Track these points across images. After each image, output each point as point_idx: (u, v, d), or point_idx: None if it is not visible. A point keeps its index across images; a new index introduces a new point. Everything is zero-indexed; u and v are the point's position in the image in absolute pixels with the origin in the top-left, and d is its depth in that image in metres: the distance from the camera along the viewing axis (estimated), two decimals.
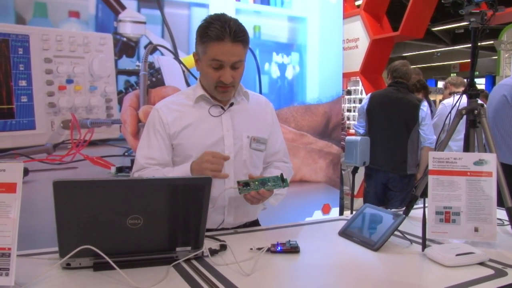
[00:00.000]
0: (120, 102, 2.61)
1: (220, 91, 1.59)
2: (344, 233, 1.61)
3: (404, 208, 1.98)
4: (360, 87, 6.02)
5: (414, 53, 15.54)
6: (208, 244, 1.34)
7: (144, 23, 2.63)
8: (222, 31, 1.48)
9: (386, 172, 3.56)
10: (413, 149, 3.52)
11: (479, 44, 1.87)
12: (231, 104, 1.68)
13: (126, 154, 2.64)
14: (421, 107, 3.46)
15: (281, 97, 3.13)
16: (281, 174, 1.59)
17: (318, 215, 3.36)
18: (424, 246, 1.43)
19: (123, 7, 2.57)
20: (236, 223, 1.73)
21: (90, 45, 2.49)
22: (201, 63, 1.60)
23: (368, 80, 5.96)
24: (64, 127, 2.48)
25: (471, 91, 1.92)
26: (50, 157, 2.46)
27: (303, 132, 3.20)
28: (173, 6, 2.72)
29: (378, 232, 1.52)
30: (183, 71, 2.76)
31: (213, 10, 2.75)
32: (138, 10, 2.63)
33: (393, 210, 2.02)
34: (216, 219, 1.67)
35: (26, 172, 2.38)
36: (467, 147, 1.99)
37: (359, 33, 5.95)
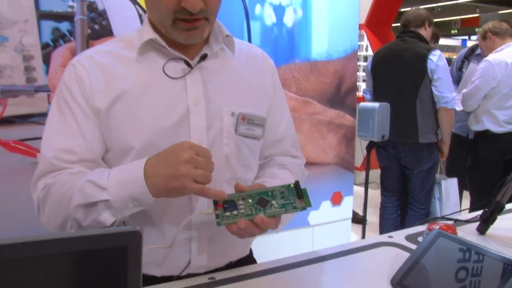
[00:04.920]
0: (46, 60, 1.93)
1: (183, 27, 0.92)
2: (404, 284, 0.93)
3: (476, 218, 1.28)
4: (365, 42, 5.36)
5: (414, 7, 15.08)
6: None
7: None
8: None
9: (396, 142, 2.96)
10: (425, 111, 2.89)
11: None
12: (204, 57, 1.00)
13: None
14: (430, 56, 2.79)
15: (278, 51, 2.55)
16: (297, 183, 0.94)
17: (327, 206, 2.78)
18: None
19: None
20: (212, 266, 1.04)
21: None
22: None
23: (375, 34, 5.32)
24: None
25: None
26: None
27: (308, 98, 2.66)
28: None
29: None
30: (140, 15, 2.05)
31: None
32: None
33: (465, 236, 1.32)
34: (178, 262, 1.00)
35: None
36: None
37: None
